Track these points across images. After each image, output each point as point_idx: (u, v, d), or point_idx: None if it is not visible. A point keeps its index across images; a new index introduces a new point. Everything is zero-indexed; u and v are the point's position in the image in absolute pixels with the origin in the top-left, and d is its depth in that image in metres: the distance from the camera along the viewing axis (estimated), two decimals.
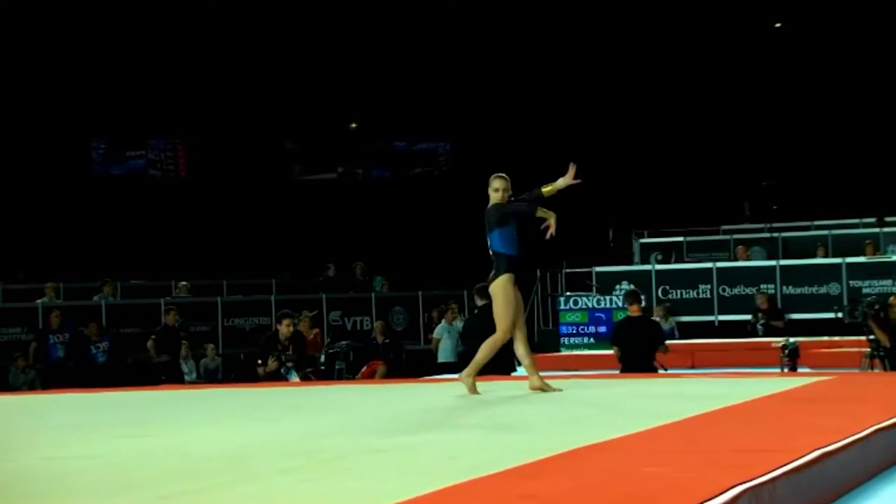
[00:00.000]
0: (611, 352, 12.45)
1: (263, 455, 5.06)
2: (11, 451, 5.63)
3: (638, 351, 11.05)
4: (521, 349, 7.89)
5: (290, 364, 11.57)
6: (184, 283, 18.97)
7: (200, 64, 25.54)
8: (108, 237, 23.65)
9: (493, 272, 7.91)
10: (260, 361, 11.72)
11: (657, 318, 16.74)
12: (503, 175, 7.92)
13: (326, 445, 5.32)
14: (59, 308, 16.76)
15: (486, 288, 11.56)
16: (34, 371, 15.76)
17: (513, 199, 7.87)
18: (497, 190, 7.80)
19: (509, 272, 7.80)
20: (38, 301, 17.37)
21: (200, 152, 26.89)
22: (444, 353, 17.01)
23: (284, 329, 11.72)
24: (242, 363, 17.76)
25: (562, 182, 7.72)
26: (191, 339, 16.62)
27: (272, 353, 11.64)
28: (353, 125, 28.36)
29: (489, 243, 7.88)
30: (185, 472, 4.67)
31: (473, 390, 7.80)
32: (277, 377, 11.51)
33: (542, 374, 8.20)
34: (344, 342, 16.98)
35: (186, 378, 15.87)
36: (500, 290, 7.72)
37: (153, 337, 16.03)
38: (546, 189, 7.74)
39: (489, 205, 7.86)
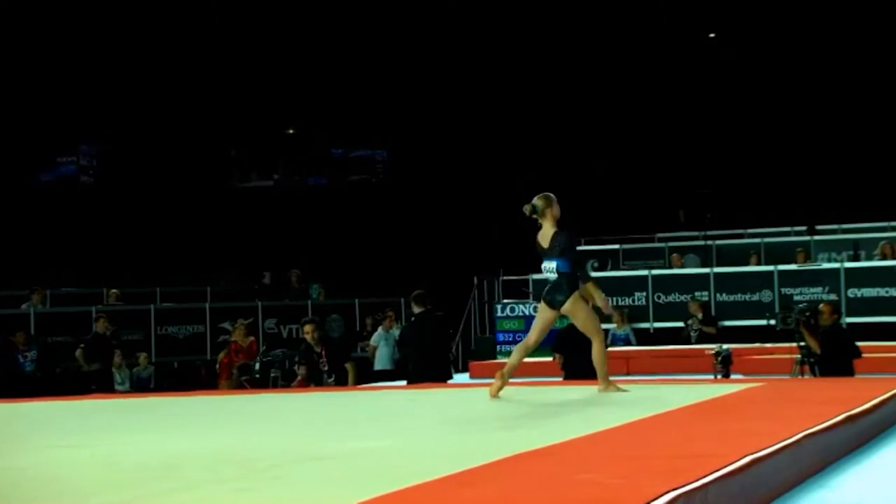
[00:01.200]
0: (548, 359, 12.51)
1: (196, 464, 5.01)
2: None
3: (580, 358, 11.10)
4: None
5: (325, 368, 11.73)
6: (114, 290, 18.69)
7: (133, 69, 25.24)
8: (38, 244, 23.26)
9: (555, 291, 8.19)
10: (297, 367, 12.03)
11: (614, 325, 16.88)
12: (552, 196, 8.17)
13: (260, 454, 5.28)
14: None
15: (424, 296, 11.58)
16: None
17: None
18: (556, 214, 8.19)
19: (576, 289, 8.22)
20: None
21: (134, 159, 26.57)
22: (381, 361, 16.98)
23: (311, 335, 11.73)
24: (176, 371, 17.58)
25: (599, 302, 8.26)
26: (123, 348, 16.38)
27: (305, 359, 11.84)
28: (291, 131, 28.22)
29: (555, 265, 8.16)
30: (116, 483, 4.61)
31: (619, 389, 8.14)
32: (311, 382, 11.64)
33: (478, 381, 8.28)
34: (279, 350, 16.84)
35: (119, 387, 15.65)
36: (581, 306, 8.16)
37: (82, 345, 15.78)
38: (590, 285, 8.24)
39: (559, 230, 8.17)
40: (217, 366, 15.96)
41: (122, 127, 26.00)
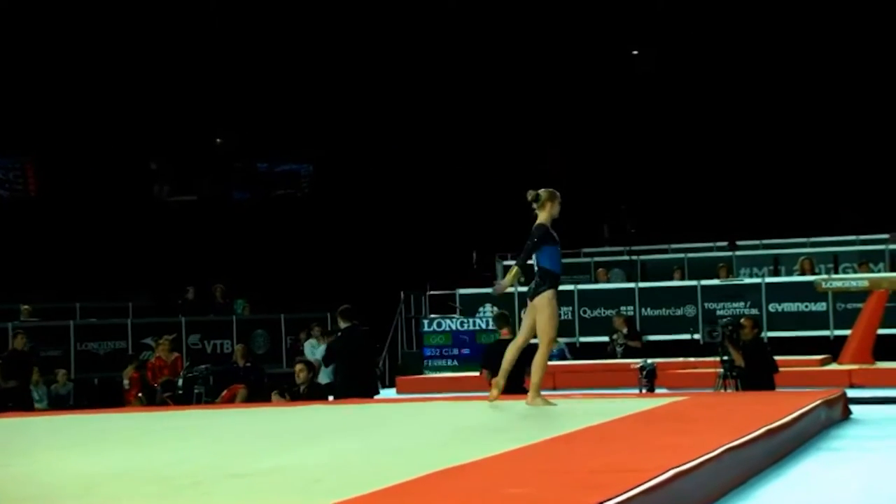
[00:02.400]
0: (475, 374, 12.54)
1: (116, 483, 4.93)
2: None
3: (509, 373, 11.13)
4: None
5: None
6: (26, 307, 18.29)
7: (52, 80, 24.80)
8: None
9: (534, 285, 8.09)
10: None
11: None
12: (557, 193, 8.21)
13: (183, 472, 5.21)
14: None
15: (350, 310, 11.55)
16: None
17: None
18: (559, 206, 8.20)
19: (554, 287, 8.08)
20: None
21: (52, 171, 26.07)
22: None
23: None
24: (97, 388, 17.28)
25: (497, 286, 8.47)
26: (41, 365, 16.05)
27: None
28: (218, 140, 27.97)
29: (535, 259, 8.04)
30: (34, 502, 4.51)
31: (547, 402, 8.12)
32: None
33: (405, 396, 8.28)
34: (203, 366, 16.66)
35: (37, 405, 15.33)
36: (548, 303, 8.05)
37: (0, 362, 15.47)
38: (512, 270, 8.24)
39: (538, 222, 8.09)
40: (126, 381, 15.72)
41: (38, 138, 25.50)
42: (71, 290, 21.14)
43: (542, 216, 8.18)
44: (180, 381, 15.15)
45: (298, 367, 12.68)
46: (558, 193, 8.30)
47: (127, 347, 17.68)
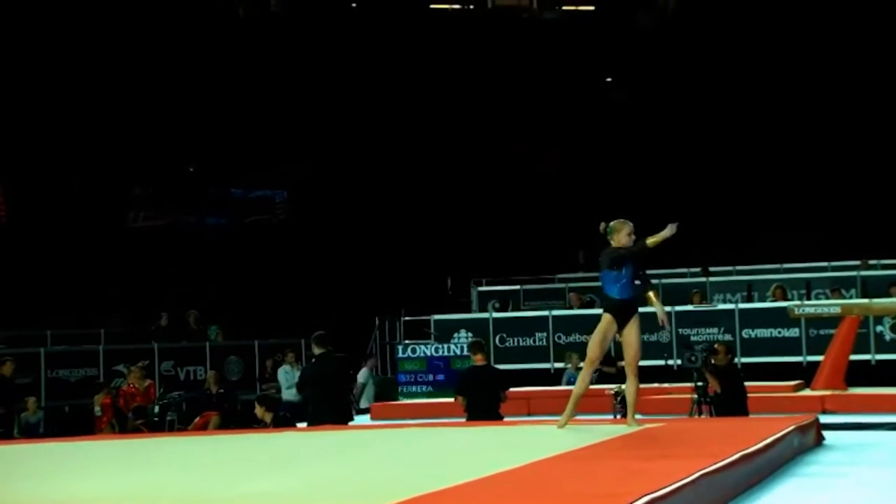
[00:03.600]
0: (450, 400, 12.51)
1: None
2: None
3: (483, 400, 11.16)
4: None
5: None
6: None
7: (25, 107, 24.70)
8: None
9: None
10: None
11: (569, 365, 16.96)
12: (629, 222, 8.42)
13: (155, 499, 5.17)
14: None
15: (325, 336, 11.51)
16: None
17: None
18: (629, 234, 8.46)
19: (606, 311, 8.40)
20: None
21: (24, 197, 25.91)
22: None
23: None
24: (68, 416, 17.11)
25: (666, 233, 8.46)
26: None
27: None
28: (191, 168, 27.90)
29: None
30: None
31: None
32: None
33: (379, 422, 8.24)
34: (176, 393, 16.57)
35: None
36: (599, 325, 8.36)
37: None
38: (651, 240, 8.45)
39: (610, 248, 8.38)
40: (98, 408, 15.58)
41: (10, 164, 25.37)
42: (42, 316, 20.98)
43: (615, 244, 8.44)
44: (156, 409, 15.04)
45: (259, 410, 12.24)
46: (630, 222, 8.39)
47: (98, 374, 17.53)
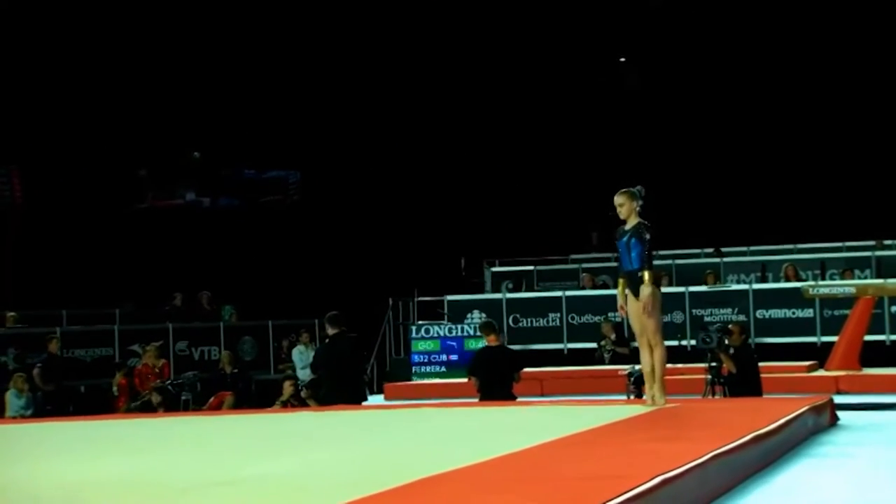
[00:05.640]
0: (463, 380, 12.52)
1: (100, 491, 4.89)
2: None
3: (496, 380, 11.17)
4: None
5: None
6: (11, 313, 18.21)
7: (37, 89, 24.72)
8: None
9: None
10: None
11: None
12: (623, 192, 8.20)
13: (169, 479, 5.17)
14: None
15: (338, 317, 11.52)
16: None
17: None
18: (621, 205, 8.18)
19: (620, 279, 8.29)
20: None
21: (38, 178, 25.98)
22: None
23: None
24: (83, 395, 17.18)
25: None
26: (27, 372, 15.98)
27: None
28: (196, 154, 27.89)
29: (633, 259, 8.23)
30: None
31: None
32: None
33: (393, 403, 8.21)
34: (191, 373, 16.62)
35: (24, 412, 15.24)
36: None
37: (39, 365, 15.56)
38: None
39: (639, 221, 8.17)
40: (115, 388, 15.70)
41: (24, 145, 25.43)
42: (57, 297, 21.05)
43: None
44: (168, 384, 15.13)
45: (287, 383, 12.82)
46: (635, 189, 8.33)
47: (114, 354, 17.59)
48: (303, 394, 13.36)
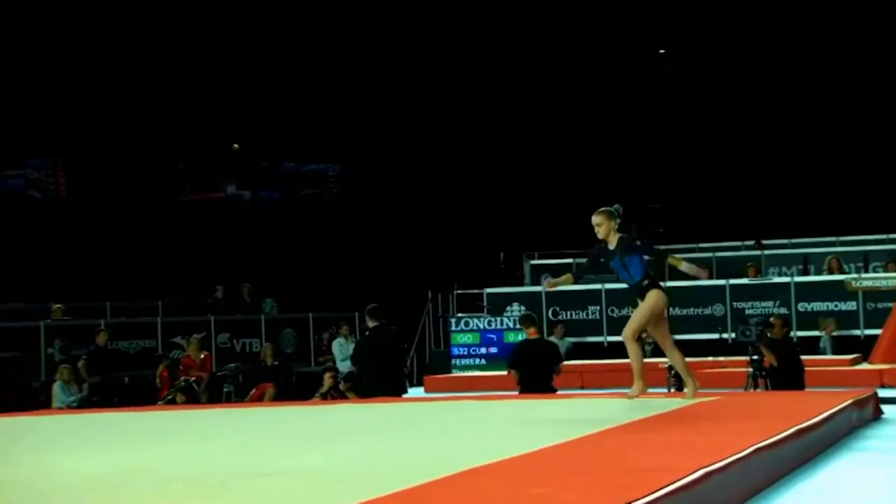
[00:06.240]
0: (503, 373, 12.51)
1: (142, 481, 4.93)
2: None
3: (536, 373, 11.16)
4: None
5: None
6: (58, 306, 18.43)
7: (81, 83, 24.97)
8: None
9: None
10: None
11: (554, 338, 16.92)
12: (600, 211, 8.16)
13: (209, 470, 5.20)
14: None
15: (378, 310, 11.55)
16: None
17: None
18: (599, 225, 8.15)
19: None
20: None
21: (82, 172, 26.27)
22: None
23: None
24: (127, 387, 17.37)
25: (685, 268, 8.24)
26: (73, 364, 16.17)
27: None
28: (236, 146, 28.05)
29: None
30: (60, 500, 4.52)
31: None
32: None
33: (433, 395, 8.23)
34: (233, 364, 16.74)
35: (70, 403, 15.43)
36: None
37: (84, 357, 15.80)
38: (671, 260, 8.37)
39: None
40: (158, 380, 15.85)
41: (68, 140, 25.71)
42: (101, 289, 21.27)
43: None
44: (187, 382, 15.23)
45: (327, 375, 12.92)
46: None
47: (157, 346, 17.76)
48: (341, 386, 13.42)
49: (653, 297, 8.14)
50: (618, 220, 8.27)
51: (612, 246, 8.19)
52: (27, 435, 8.13)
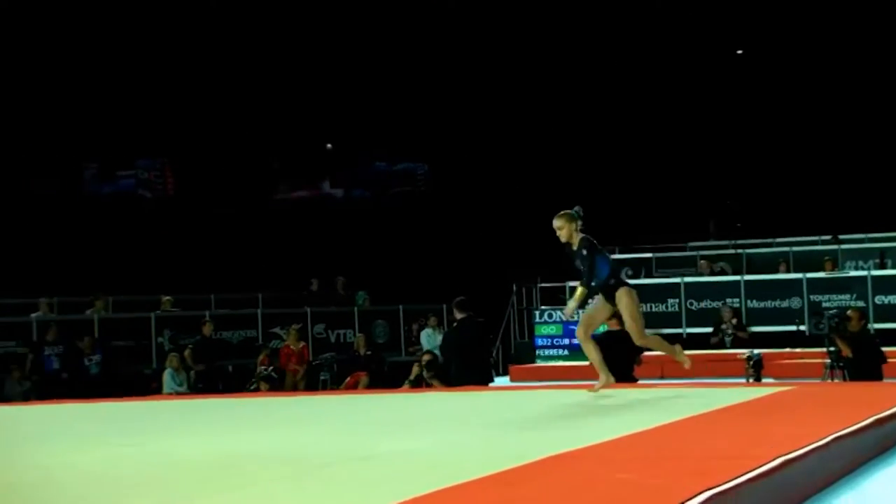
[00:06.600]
0: (585, 363, 12.47)
1: (251, 463, 5.05)
2: (5, 460, 5.61)
3: (617, 363, 11.14)
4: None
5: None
6: (167, 297, 18.85)
7: (186, 86, 25.50)
8: (100, 253, 23.53)
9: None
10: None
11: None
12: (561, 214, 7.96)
13: (312, 453, 5.31)
14: (54, 322, 16.67)
15: (466, 302, 11.61)
16: (29, 382, 15.64)
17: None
18: (560, 228, 7.94)
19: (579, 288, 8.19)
20: (33, 315, 17.24)
21: (187, 172, 26.86)
22: None
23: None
24: (230, 374, 17.71)
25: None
26: (180, 352, 16.56)
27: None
28: (329, 146, 28.36)
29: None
30: (174, 480, 4.66)
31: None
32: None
33: (518, 384, 8.27)
34: (328, 354, 16.97)
35: (178, 389, 15.81)
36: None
37: (190, 346, 16.14)
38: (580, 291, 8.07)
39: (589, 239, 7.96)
40: (258, 368, 16.11)
41: (178, 142, 26.28)
42: (206, 282, 21.70)
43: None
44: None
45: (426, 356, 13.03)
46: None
47: (257, 336, 18.06)
48: (425, 374, 13.49)
49: (628, 297, 7.92)
50: (579, 222, 8.00)
51: (575, 247, 7.98)
52: (139, 419, 8.37)
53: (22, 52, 24.31)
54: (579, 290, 8.03)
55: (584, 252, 7.85)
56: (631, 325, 7.91)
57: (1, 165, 24.50)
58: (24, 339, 16.49)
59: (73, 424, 8.12)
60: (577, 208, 8.00)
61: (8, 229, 23.63)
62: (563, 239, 7.95)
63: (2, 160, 24.50)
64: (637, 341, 7.93)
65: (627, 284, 8.07)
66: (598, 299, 8.07)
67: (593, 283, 7.98)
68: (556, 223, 7.92)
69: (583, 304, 8.29)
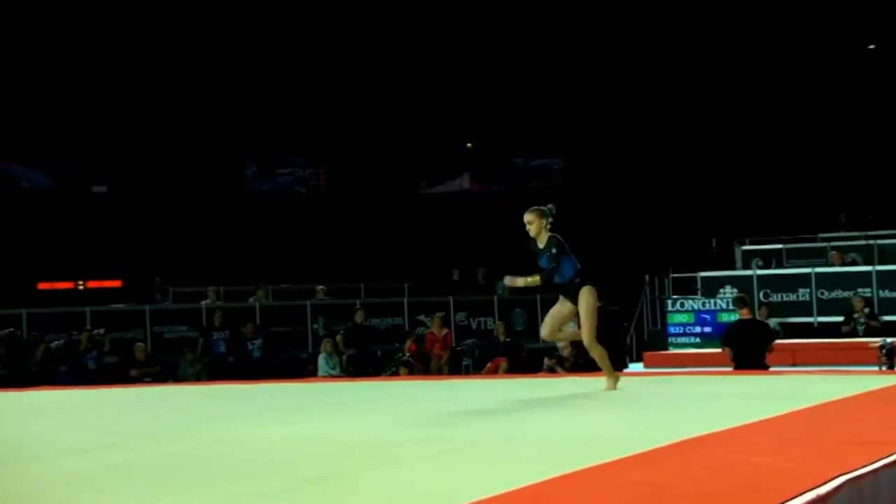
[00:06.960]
0: (716, 350, 12.27)
1: (402, 441, 5.14)
2: (177, 434, 5.86)
3: (749, 350, 10.96)
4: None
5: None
6: (321, 287, 19.25)
7: (338, 91, 26.06)
8: (261, 246, 24.29)
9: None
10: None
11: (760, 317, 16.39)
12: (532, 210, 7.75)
13: (460, 433, 5.38)
14: (220, 309, 17.27)
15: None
16: (200, 364, 16.25)
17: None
18: (531, 223, 7.72)
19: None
20: (203, 302, 17.91)
21: (339, 169, 27.44)
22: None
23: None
24: (379, 359, 18.02)
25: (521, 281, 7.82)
26: (332, 337, 16.93)
27: None
28: (469, 145, 28.49)
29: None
30: (329, 457, 4.74)
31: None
32: None
33: (652, 370, 8.15)
34: (470, 340, 17.09)
35: (331, 372, 16.19)
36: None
37: (342, 332, 16.52)
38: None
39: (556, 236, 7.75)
40: (406, 353, 16.32)
41: (330, 141, 26.88)
42: (357, 272, 22.12)
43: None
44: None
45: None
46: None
47: (404, 323, 18.30)
48: (546, 362, 13.44)
49: (589, 295, 7.61)
50: (550, 220, 7.73)
51: (541, 245, 7.71)
52: (298, 400, 8.62)
53: (191, 63, 25.25)
54: (536, 278, 7.81)
55: (553, 251, 7.64)
56: (584, 323, 7.62)
57: (176, 167, 25.55)
58: (194, 325, 17.14)
59: (238, 403, 8.42)
60: (549, 206, 7.81)
61: (181, 224, 24.65)
62: (532, 234, 7.74)
63: (176, 163, 25.54)
64: (585, 340, 7.61)
65: (594, 283, 7.75)
66: (560, 299, 7.80)
67: (555, 281, 7.72)
68: (527, 217, 7.72)
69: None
